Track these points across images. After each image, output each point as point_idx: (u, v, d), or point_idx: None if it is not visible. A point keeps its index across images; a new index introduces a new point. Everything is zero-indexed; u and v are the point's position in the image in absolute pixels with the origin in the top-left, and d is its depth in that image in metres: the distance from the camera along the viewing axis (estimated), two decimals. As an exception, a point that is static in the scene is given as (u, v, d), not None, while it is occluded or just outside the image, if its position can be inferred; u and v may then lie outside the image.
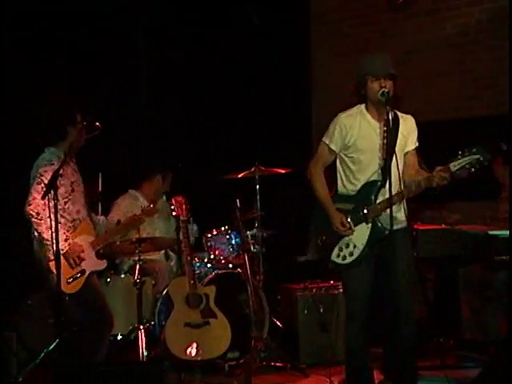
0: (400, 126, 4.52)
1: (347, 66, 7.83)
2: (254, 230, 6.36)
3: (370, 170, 4.53)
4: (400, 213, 4.53)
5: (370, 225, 4.51)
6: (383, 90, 4.40)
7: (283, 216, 7.05)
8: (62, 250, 4.78)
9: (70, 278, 4.88)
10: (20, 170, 5.27)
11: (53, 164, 4.86)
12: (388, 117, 4.42)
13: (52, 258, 4.70)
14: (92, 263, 5.00)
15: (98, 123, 4.94)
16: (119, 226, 5.40)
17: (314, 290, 6.04)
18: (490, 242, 5.56)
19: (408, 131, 4.59)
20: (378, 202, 4.50)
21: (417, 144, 4.63)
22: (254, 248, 6.32)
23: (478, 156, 4.29)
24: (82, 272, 4.92)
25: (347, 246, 4.53)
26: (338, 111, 5.69)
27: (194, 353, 5.35)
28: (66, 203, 4.95)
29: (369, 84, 4.50)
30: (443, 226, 5.92)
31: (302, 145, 7.42)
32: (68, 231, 4.95)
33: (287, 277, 6.48)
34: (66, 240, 4.90)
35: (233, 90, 7.60)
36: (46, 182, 4.71)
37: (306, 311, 5.99)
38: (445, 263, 6.13)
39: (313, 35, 8.27)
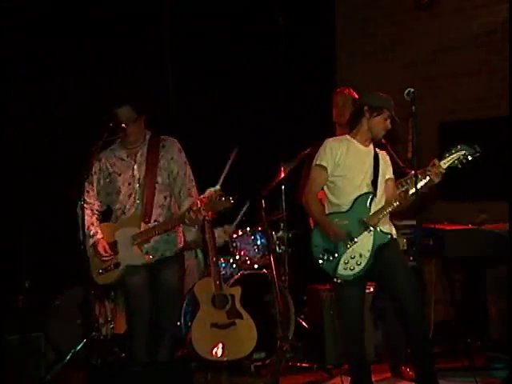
0: (380, 159, 4.87)
1: (373, 66, 7.87)
2: (280, 232, 6.36)
3: (354, 185, 4.76)
4: (391, 225, 4.87)
5: (372, 232, 4.74)
6: (409, 89, 4.66)
7: (308, 216, 7.02)
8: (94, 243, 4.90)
9: (100, 269, 4.93)
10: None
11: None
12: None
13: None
14: (127, 257, 4.91)
15: (123, 124, 4.93)
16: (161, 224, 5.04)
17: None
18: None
19: (386, 164, 4.93)
20: (372, 211, 4.75)
21: (393, 176, 4.95)
22: (279, 249, 6.32)
23: (463, 152, 4.80)
24: (116, 265, 4.90)
25: (353, 257, 4.72)
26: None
27: (220, 353, 5.35)
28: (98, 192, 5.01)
29: (378, 118, 4.80)
30: (470, 226, 5.88)
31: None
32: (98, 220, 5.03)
33: (313, 277, 6.45)
34: (92, 236, 4.92)
35: (256, 91, 7.59)
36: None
37: (331, 312, 5.97)
38: (472, 263, 6.08)
39: (338, 35, 8.27)
